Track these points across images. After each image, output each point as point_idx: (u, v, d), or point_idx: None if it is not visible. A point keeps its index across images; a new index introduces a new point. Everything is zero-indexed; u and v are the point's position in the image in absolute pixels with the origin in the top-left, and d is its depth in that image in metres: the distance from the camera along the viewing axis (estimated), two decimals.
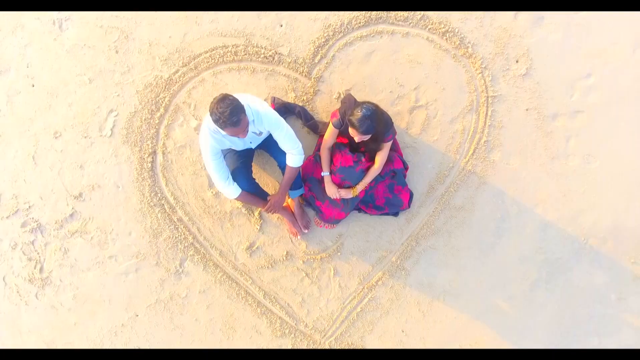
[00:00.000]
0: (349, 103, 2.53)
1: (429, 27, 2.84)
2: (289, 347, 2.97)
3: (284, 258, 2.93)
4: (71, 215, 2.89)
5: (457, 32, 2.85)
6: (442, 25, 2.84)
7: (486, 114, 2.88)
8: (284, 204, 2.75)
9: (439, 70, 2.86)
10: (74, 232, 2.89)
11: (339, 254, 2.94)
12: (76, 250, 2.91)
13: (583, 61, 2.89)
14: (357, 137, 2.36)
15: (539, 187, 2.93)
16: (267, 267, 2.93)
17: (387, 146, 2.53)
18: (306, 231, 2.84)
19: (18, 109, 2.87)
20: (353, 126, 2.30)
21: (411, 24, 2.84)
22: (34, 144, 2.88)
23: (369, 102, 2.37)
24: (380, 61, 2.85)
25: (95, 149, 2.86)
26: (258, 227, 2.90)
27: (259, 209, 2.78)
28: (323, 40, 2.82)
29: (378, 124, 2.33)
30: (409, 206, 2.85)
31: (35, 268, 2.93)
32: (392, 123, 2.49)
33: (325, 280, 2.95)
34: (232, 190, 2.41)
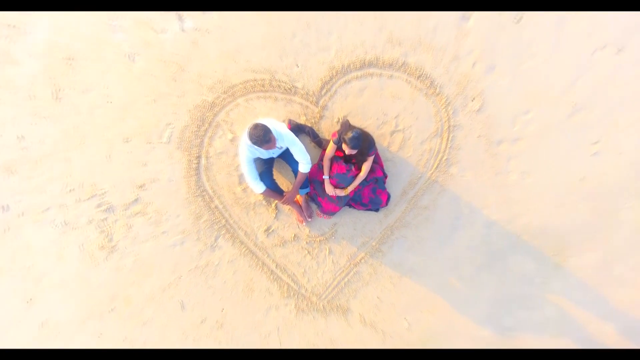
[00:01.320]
0: (344, 127, 3.50)
1: (408, 71, 3.80)
2: (293, 306, 3.96)
3: (292, 239, 3.91)
4: (135, 200, 3.88)
5: (429, 76, 3.81)
6: (418, 71, 3.80)
7: (448, 138, 3.85)
8: (295, 199, 3.73)
9: (414, 104, 3.82)
10: (137, 213, 3.88)
11: (333, 238, 3.92)
12: (137, 226, 3.90)
13: (524, 101, 3.85)
14: (347, 151, 3.33)
15: (486, 195, 3.90)
16: (279, 245, 3.92)
17: (370, 159, 3.49)
18: (310, 220, 3.82)
19: (97, 119, 3.85)
20: (345, 143, 3.27)
21: (394, 69, 3.80)
22: (109, 146, 3.86)
23: (358, 128, 3.34)
24: (370, 95, 3.81)
25: (155, 152, 3.84)
26: (274, 216, 3.89)
27: (276, 201, 3.76)
28: (328, 78, 3.79)
29: (363, 143, 3.30)
30: (387, 205, 3.83)
31: (105, 239, 3.92)
32: (374, 143, 3.45)
33: (322, 257, 3.94)
34: (259, 187, 3.39)
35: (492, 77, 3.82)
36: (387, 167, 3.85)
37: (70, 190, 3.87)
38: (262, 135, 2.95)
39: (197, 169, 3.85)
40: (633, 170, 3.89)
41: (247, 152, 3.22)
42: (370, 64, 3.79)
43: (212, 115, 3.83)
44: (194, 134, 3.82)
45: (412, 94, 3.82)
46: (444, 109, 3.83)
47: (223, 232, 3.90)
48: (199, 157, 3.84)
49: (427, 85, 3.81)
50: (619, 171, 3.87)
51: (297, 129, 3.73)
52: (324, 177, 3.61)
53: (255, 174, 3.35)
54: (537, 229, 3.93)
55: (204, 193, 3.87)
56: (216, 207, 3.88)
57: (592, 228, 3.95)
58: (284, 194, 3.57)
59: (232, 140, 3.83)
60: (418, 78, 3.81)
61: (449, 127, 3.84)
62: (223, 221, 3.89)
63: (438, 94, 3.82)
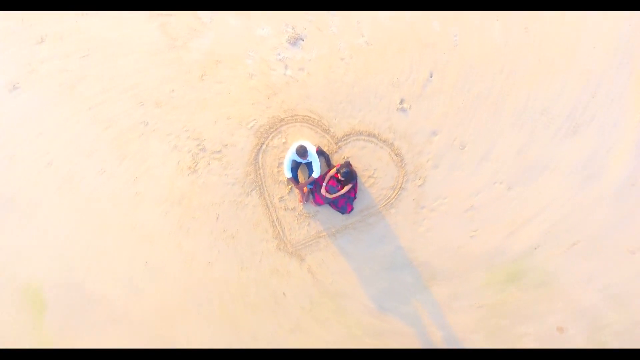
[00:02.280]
0: (345, 164, 6.37)
1: (392, 149, 6.64)
2: (275, 244, 6.80)
3: (292, 209, 6.77)
4: (219, 151, 6.73)
5: (402, 156, 6.66)
6: (397, 151, 6.64)
7: (397, 193, 6.70)
8: (303, 188, 6.60)
9: (387, 167, 6.66)
10: (216, 157, 6.73)
11: (313, 218, 6.78)
12: (213, 164, 6.75)
13: (445, 191, 6.68)
14: (340, 177, 6.18)
15: (404, 231, 6.75)
16: (283, 209, 6.78)
17: (350, 185, 6.34)
18: (306, 202, 6.69)
19: (216, 97, 6.70)
20: (340, 173, 6.13)
21: (386, 144, 6.65)
22: (217, 117, 6.71)
23: (351, 167, 6.20)
24: (366, 152, 6.65)
25: (241, 131, 6.69)
26: (288, 192, 6.75)
27: (292, 185, 6.62)
28: (348, 134, 6.63)
29: (350, 176, 6.16)
30: (349, 213, 6.69)
31: (193, 163, 6.76)
32: (357, 178, 6.32)
33: (304, 225, 6.80)
34: (288, 174, 6.25)
35: (434, 171, 6.68)
36: (360, 193, 6.71)
37: (186, 130, 6.75)
38: (302, 152, 5.83)
39: (259, 149, 6.72)
40: (487, 254, 6.74)
41: (290, 155, 6.10)
42: (374, 136, 6.65)
43: (279, 125, 6.69)
44: (265, 130, 6.69)
45: (389, 162, 6.68)
46: (402, 177, 6.69)
47: (257, 188, 6.77)
48: (262, 143, 6.71)
49: (399, 160, 6.68)
50: (479, 247, 6.73)
51: (320, 153, 6.58)
52: (322, 184, 6.47)
53: (289, 167, 6.22)
54: (422, 262, 6.78)
55: (257, 163, 6.74)
56: (260, 174, 6.75)
57: (453, 274, 6.80)
58: (299, 183, 6.45)
59: (284, 143, 6.69)
60: (396, 155, 6.67)
61: (400, 187, 6.70)
62: (260, 182, 6.76)
63: (402, 168, 6.68)
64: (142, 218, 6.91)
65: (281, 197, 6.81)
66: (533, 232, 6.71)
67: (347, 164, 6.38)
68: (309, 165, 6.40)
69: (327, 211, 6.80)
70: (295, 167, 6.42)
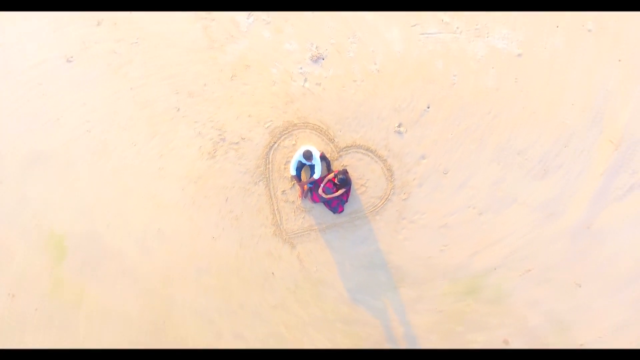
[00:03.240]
0: (342, 171, 7.39)
1: (385, 164, 7.66)
2: (272, 231, 7.84)
3: (292, 202, 7.80)
4: (237, 142, 7.77)
5: (392, 172, 7.67)
6: (389, 167, 7.66)
7: (384, 202, 7.72)
8: (304, 186, 7.62)
9: (378, 179, 7.69)
10: (234, 147, 7.76)
11: (308, 212, 7.81)
12: (230, 153, 7.79)
13: (425, 208, 7.70)
14: (336, 181, 7.20)
15: (384, 237, 7.77)
16: (284, 201, 7.81)
17: (344, 190, 7.36)
18: (304, 198, 7.72)
19: (240, 97, 7.72)
20: (336, 178, 7.16)
21: (380, 160, 7.66)
22: (239, 113, 7.73)
23: (346, 174, 7.22)
24: (363, 164, 7.66)
25: (258, 129, 7.71)
26: (290, 186, 7.78)
27: (294, 182, 7.64)
28: (350, 145, 7.65)
29: (345, 182, 7.18)
30: (341, 213, 7.72)
31: (212, 150, 7.80)
32: (350, 184, 7.34)
33: (299, 218, 7.83)
34: (293, 171, 7.28)
35: (418, 189, 7.69)
36: (351, 197, 7.73)
37: (211, 121, 7.78)
38: (308, 155, 6.87)
39: (271, 146, 7.76)
40: (452, 267, 7.76)
41: (297, 157, 7.15)
42: (371, 151, 7.66)
43: (291, 129, 7.72)
44: (279, 132, 7.72)
45: (380, 175, 7.70)
46: (390, 190, 7.71)
47: (264, 180, 7.80)
48: (275, 142, 7.74)
49: (389, 175, 7.70)
50: (447, 261, 7.76)
51: (323, 158, 7.60)
52: (321, 185, 7.49)
53: (295, 166, 7.27)
54: (396, 265, 7.80)
55: (267, 158, 7.77)
56: (268, 168, 7.79)
57: (421, 280, 7.82)
58: (301, 181, 7.48)
59: (294, 145, 7.72)
60: (387, 170, 7.69)
61: (387, 198, 7.72)
62: (267, 175, 7.80)
63: (391, 182, 7.70)
64: (161, 189, 7.95)
65: (284, 191, 7.83)
66: (495, 254, 7.72)
67: (344, 172, 7.38)
68: (312, 167, 7.42)
69: (321, 209, 7.82)
70: (300, 167, 7.45)
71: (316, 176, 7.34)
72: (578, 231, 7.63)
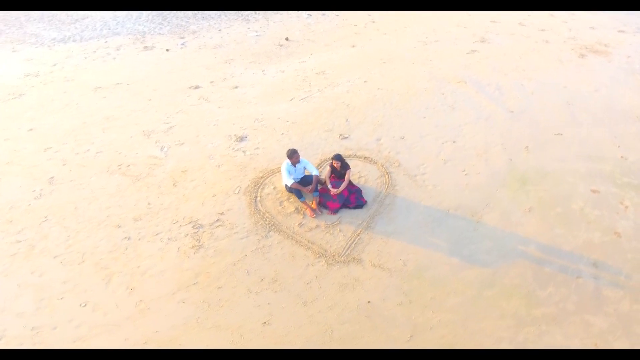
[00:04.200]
0: (334, 156, 6.89)
1: (353, 155, 7.65)
2: (323, 262, 5.77)
3: (315, 227, 6.29)
4: (217, 220, 6.34)
5: (367, 157, 7.66)
6: (387, 163, 7.68)
7: (387, 173, 7.26)
8: (311, 204, 6.50)
9: (365, 167, 7.43)
10: (218, 225, 6.25)
11: (340, 223, 6.36)
12: (218, 232, 6.15)
13: (420, 165, 7.63)
14: (334, 163, 6.61)
15: (419, 195, 6.90)
16: (308, 231, 6.22)
17: (348, 173, 6.70)
18: (320, 213, 6.42)
19: (209, 174, 6.89)
20: (334, 159, 6.63)
21: (345, 156, 7.66)
22: (204, 198, 6.71)
23: (339, 154, 6.80)
24: (360, 164, 7.42)
25: (230, 198, 6.72)
26: (302, 217, 6.43)
27: (303, 209, 6.46)
28: (318, 165, 7.49)
29: (343, 159, 6.66)
30: (366, 203, 6.65)
31: (196, 242, 6.02)
32: (349, 167, 6.81)
33: (336, 233, 6.20)
34: (290, 181, 6.33)
35: (400, 155, 7.77)
36: (363, 189, 6.95)
37: (175, 222, 6.35)
38: (292, 153, 6.40)
39: (254, 201, 6.68)
40: (491, 177, 7.30)
41: (285, 165, 6.47)
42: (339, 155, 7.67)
43: (261, 181, 7.09)
44: (252, 188, 6.93)
45: (365, 164, 7.53)
46: (382, 167, 7.46)
47: (273, 228, 6.25)
48: (255, 196, 6.77)
49: (370, 160, 7.62)
50: (478, 178, 7.27)
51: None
52: (328, 186, 6.62)
53: (288, 175, 6.42)
54: (456, 205, 6.73)
55: (259, 211, 6.51)
56: (267, 216, 6.43)
57: (485, 200, 6.82)
58: (305, 187, 6.46)
59: (274, 188, 6.92)
60: (365, 158, 7.65)
61: (387, 172, 7.35)
62: (272, 222, 6.33)
63: (377, 162, 7.56)
64: (153, 324, 5.05)
65: (300, 223, 6.35)
66: (496, 152, 7.89)
67: (336, 155, 6.88)
68: (307, 179, 6.68)
69: (347, 213, 6.56)
70: (294, 179, 6.55)
71: (315, 172, 6.58)
72: (508, 115, 8.99)
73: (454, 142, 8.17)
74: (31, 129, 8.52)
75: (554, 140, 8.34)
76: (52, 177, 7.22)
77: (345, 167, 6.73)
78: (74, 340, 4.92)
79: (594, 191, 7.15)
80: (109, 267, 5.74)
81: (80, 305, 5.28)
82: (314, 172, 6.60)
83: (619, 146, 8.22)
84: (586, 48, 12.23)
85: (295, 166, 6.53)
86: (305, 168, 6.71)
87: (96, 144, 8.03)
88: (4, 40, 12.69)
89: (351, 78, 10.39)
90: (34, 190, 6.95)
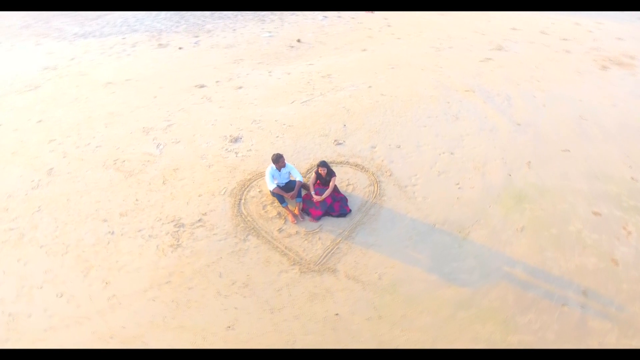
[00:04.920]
0: (319, 163, 6.81)
1: (344, 162, 7.54)
2: (297, 270, 5.71)
3: (295, 234, 6.23)
4: (199, 220, 6.40)
5: (358, 164, 7.53)
6: (374, 176, 7.55)
7: (377, 186, 7.10)
8: (293, 209, 6.44)
9: (355, 174, 7.31)
10: (199, 226, 6.30)
11: (321, 231, 6.27)
12: (197, 232, 6.20)
13: (412, 176, 7.43)
14: (320, 170, 6.53)
15: (406, 207, 6.71)
16: (287, 237, 6.17)
17: (333, 180, 6.60)
18: (302, 220, 6.35)
19: (197, 175, 6.97)
20: (320, 165, 6.55)
21: (336, 163, 7.55)
22: (187, 201, 6.78)
23: (325, 161, 6.70)
24: (351, 171, 7.32)
25: (216, 198, 6.76)
26: (283, 222, 6.39)
27: (285, 214, 6.42)
28: (308, 170, 7.42)
29: (328, 166, 6.56)
30: (350, 212, 6.53)
31: (175, 241, 6.09)
32: (334, 174, 6.70)
33: (315, 241, 6.12)
34: (272, 185, 6.29)
35: (393, 165, 7.59)
36: (348, 196, 6.83)
37: (158, 220, 6.45)
38: (277, 158, 6.35)
39: (239, 203, 6.69)
40: (485, 193, 7.02)
41: (269, 170, 6.44)
42: (331, 162, 7.57)
43: (248, 183, 7.10)
44: (239, 190, 6.94)
45: (355, 171, 7.40)
46: (372, 176, 7.31)
47: (252, 232, 6.24)
48: (240, 199, 6.78)
49: (361, 167, 7.48)
50: (471, 192, 7.00)
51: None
52: (311, 192, 6.55)
53: (271, 179, 6.37)
54: (442, 220, 6.50)
55: (241, 214, 6.51)
56: (248, 220, 6.42)
57: (476, 217, 6.56)
58: (287, 192, 6.41)
59: (260, 191, 6.91)
60: (356, 166, 7.52)
61: (377, 181, 7.19)
62: (252, 226, 6.32)
63: (367, 171, 7.42)
64: (121, 319, 5.14)
65: (280, 229, 6.31)
66: (496, 167, 7.58)
67: (321, 162, 6.78)
68: (291, 184, 6.63)
69: (330, 221, 6.47)
70: (278, 184, 6.52)
71: (300, 178, 6.52)
72: (514, 127, 8.62)
73: (451, 153, 7.91)
74: (40, 121, 8.88)
75: (559, 157, 7.94)
76: (51, 169, 7.48)
77: (330, 174, 6.64)
78: (45, 329, 5.07)
79: (595, 213, 6.76)
80: (89, 260, 5.89)
81: (57, 295, 5.45)
82: (298, 178, 6.55)
83: (630, 166, 7.73)
84: (609, 60, 11.59)
85: (280, 171, 6.50)
86: (290, 173, 6.66)
87: (97, 138, 8.27)
88: (30, 33, 13.31)
89: (356, 83, 10.26)
90: (32, 181, 7.23)
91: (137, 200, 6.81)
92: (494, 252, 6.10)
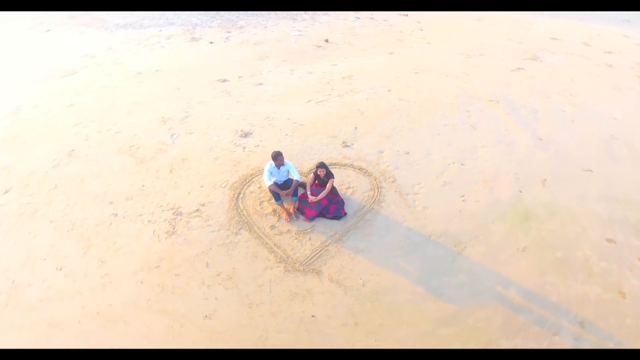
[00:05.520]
0: (318, 164, 6.80)
1: (348, 165, 7.46)
2: (282, 268, 5.74)
3: (286, 232, 6.26)
4: (196, 210, 6.58)
5: (362, 168, 7.43)
6: (375, 180, 7.46)
7: (378, 191, 6.99)
8: (289, 208, 6.47)
9: (358, 177, 7.23)
10: (195, 215, 6.48)
11: (312, 232, 6.27)
12: (193, 222, 6.38)
13: (415, 184, 7.24)
14: (319, 171, 6.51)
15: (404, 215, 6.56)
16: (278, 234, 6.21)
17: (330, 182, 6.56)
18: (295, 219, 6.37)
19: (202, 167, 7.19)
20: (318, 167, 6.53)
21: (341, 165, 7.49)
22: (189, 191, 6.99)
23: (323, 162, 6.68)
24: (353, 174, 7.28)
25: (216, 190, 6.93)
26: (277, 219, 6.44)
27: (280, 212, 6.47)
28: (309, 170, 7.42)
29: (327, 168, 6.53)
30: (345, 215, 6.47)
31: (170, 227, 6.30)
32: (333, 175, 6.66)
33: (305, 241, 6.12)
34: (269, 182, 6.34)
35: (398, 171, 7.44)
36: (345, 199, 6.78)
37: (159, 206, 6.70)
38: (276, 155, 6.40)
39: (237, 197, 6.82)
40: (491, 207, 6.73)
41: (268, 167, 6.50)
42: (335, 163, 7.53)
43: (249, 178, 7.21)
44: (239, 184, 7.07)
45: (357, 175, 7.32)
46: (375, 180, 7.20)
47: (245, 226, 6.34)
48: (239, 193, 6.90)
49: (364, 172, 7.39)
50: (476, 206, 6.72)
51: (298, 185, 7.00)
52: (307, 192, 6.55)
53: (269, 176, 6.44)
54: (439, 232, 6.30)
55: (238, 207, 6.64)
56: (244, 214, 6.53)
57: (475, 233, 6.30)
58: (283, 191, 6.45)
59: (259, 187, 7.01)
60: (359, 169, 7.44)
61: (378, 186, 7.08)
62: (246, 220, 6.42)
63: (370, 175, 7.32)
64: (110, 298, 5.40)
65: (272, 226, 6.37)
66: (506, 182, 7.23)
67: (321, 163, 6.78)
68: (288, 182, 6.67)
69: (323, 222, 6.45)
70: (276, 182, 6.57)
71: (297, 177, 6.54)
72: (535, 143, 8.18)
73: (462, 164, 7.63)
74: (71, 104, 9.48)
75: (579, 176, 7.45)
76: (72, 150, 7.98)
77: (329, 175, 6.61)
78: (40, 299, 5.43)
79: (609, 240, 6.29)
80: (91, 238, 6.23)
81: (57, 269, 5.81)
82: (296, 177, 6.57)
83: None
84: None
85: (279, 169, 6.55)
86: (289, 171, 6.70)
87: (118, 124, 8.72)
88: (76, 23, 14.23)
89: (375, 86, 10.13)
90: (54, 160, 7.74)
91: (143, 186, 7.11)
92: (488, 271, 5.83)
